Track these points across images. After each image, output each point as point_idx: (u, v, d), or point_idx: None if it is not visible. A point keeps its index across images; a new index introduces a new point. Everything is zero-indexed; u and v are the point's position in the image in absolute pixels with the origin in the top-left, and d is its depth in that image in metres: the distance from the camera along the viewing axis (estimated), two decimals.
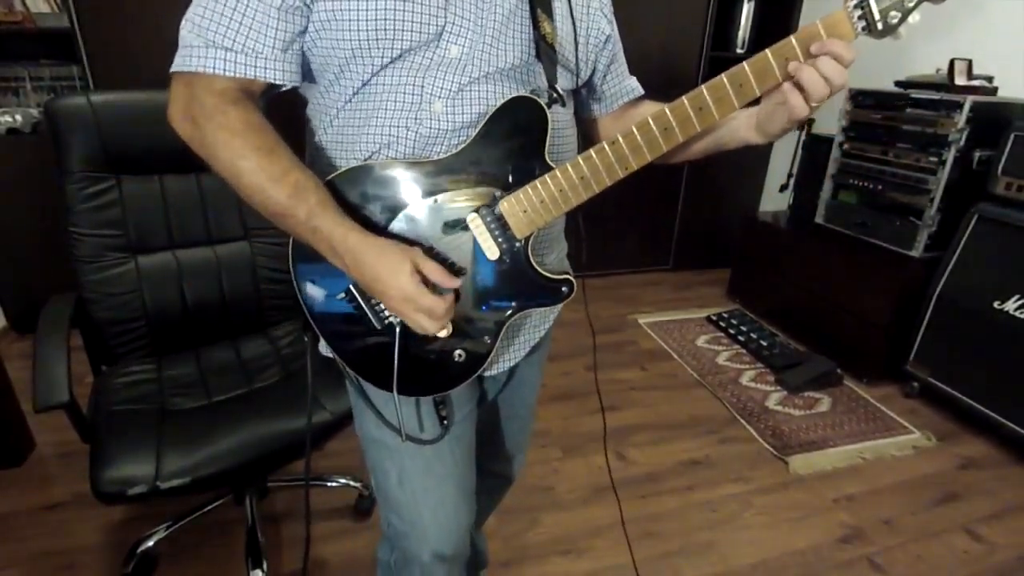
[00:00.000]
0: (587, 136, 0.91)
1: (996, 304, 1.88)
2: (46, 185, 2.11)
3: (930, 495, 1.72)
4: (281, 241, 1.41)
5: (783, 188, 2.90)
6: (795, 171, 2.82)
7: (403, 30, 0.63)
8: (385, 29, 0.63)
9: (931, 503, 1.69)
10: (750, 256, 2.88)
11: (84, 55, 2.16)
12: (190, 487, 1.03)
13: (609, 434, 1.93)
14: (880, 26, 0.61)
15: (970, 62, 2.08)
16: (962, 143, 1.98)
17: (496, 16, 0.67)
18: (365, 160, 0.69)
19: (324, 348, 0.82)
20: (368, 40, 0.63)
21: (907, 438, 1.97)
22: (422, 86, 0.66)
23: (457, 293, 0.69)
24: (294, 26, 0.64)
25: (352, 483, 1.57)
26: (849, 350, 2.31)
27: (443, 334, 0.70)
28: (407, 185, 0.68)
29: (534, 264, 0.72)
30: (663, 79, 2.94)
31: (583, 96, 0.88)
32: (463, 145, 0.67)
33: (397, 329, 0.71)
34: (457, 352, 0.74)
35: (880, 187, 2.26)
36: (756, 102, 0.69)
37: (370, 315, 0.71)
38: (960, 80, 2.05)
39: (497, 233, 0.69)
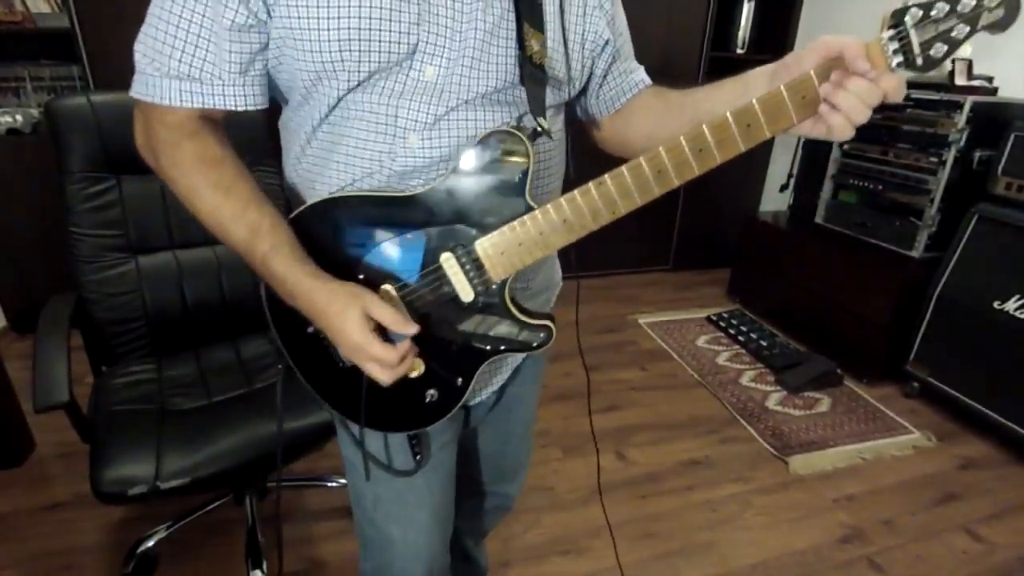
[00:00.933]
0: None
1: (996, 304, 1.88)
2: (46, 185, 2.11)
3: (930, 495, 1.72)
4: None
5: (783, 188, 2.90)
6: (795, 171, 2.81)
7: (371, 49, 0.57)
8: (351, 48, 0.57)
9: (931, 503, 1.69)
10: (750, 256, 2.88)
11: (84, 55, 2.16)
12: (190, 487, 1.02)
13: (609, 434, 1.93)
14: (920, 61, 0.52)
15: (970, 62, 2.08)
16: (962, 143, 1.98)
17: (477, 32, 0.61)
18: (337, 192, 0.66)
19: None
20: (332, 59, 0.57)
21: (907, 438, 1.97)
22: (395, 116, 0.62)
23: (431, 337, 0.66)
24: (250, 45, 0.59)
25: None
26: (849, 350, 2.31)
27: (414, 374, 0.68)
28: (378, 220, 0.64)
29: (511, 309, 0.67)
30: (663, 79, 2.93)
31: (580, 100, 0.82)
32: (441, 179, 0.63)
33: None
34: (429, 392, 0.70)
35: (880, 187, 2.26)
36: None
37: (338, 352, 0.68)
38: (960, 80, 2.05)
39: (472, 275, 0.65)
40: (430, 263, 0.65)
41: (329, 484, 1.60)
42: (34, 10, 2.17)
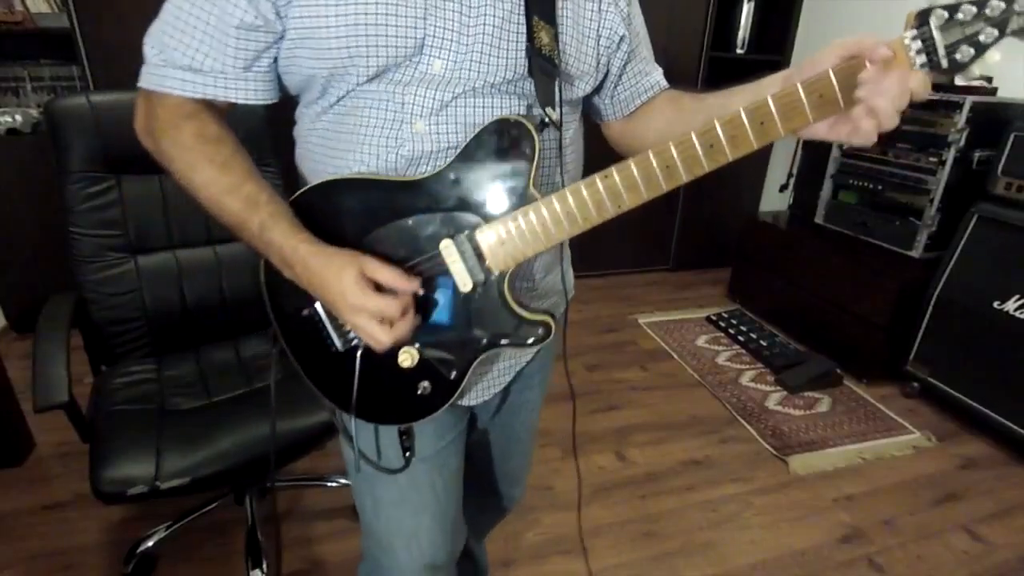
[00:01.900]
0: (601, 137, 0.85)
1: (996, 304, 1.88)
2: (46, 185, 2.11)
3: (930, 495, 1.72)
4: None
5: (783, 188, 2.90)
6: (795, 171, 2.82)
7: (379, 45, 0.59)
8: (358, 45, 0.58)
9: (931, 503, 1.69)
10: (750, 256, 2.88)
11: (84, 55, 2.16)
12: (190, 487, 1.03)
13: (609, 434, 1.93)
14: (945, 63, 0.51)
15: None
16: (962, 143, 1.99)
17: (486, 27, 0.61)
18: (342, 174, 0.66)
19: None
20: (342, 57, 0.59)
21: (907, 438, 1.97)
22: (402, 103, 0.62)
23: (426, 326, 0.66)
24: (256, 44, 0.61)
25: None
26: (849, 350, 2.31)
27: (407, 364, 0.66)
28: (380, 203, 0.64)
29: (509, 301, 0.65)
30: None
31: (594, 100, 0.81)
32: (445, 165, 0.63)
33: (359, 352, 0.67)
34: (422, 384, 0.69)
35: (880, 187, 2.26)
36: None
37: (334, 335, 0.68)
38: (960, 80, 2.05)
39: (472, 264, 0.63)
40: (429, 250, 0.64)
41: (329, 484, 1.60)
42: (34, 10, 2.17)
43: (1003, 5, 0.48)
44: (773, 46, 3.08)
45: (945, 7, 0.50)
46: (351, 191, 0.64)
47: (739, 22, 3.00)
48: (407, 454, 0.76)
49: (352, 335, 0.68)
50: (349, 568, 1.40)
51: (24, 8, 2.16)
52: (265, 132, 1.35)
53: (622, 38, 0.73)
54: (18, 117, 2.21)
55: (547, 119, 0.64)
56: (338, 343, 0.68)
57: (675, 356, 2.45)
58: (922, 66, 0.52)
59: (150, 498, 1.00)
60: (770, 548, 1.52)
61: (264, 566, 1.30)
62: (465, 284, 0.64)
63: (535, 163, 0.62)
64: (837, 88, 0.52)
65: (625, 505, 1.63)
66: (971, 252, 1.98)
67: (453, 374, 0.69)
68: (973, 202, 1.99)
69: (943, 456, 1.90)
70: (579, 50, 0.68)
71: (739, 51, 3.04)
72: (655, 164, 0.59)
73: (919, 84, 0.53)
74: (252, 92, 0.63)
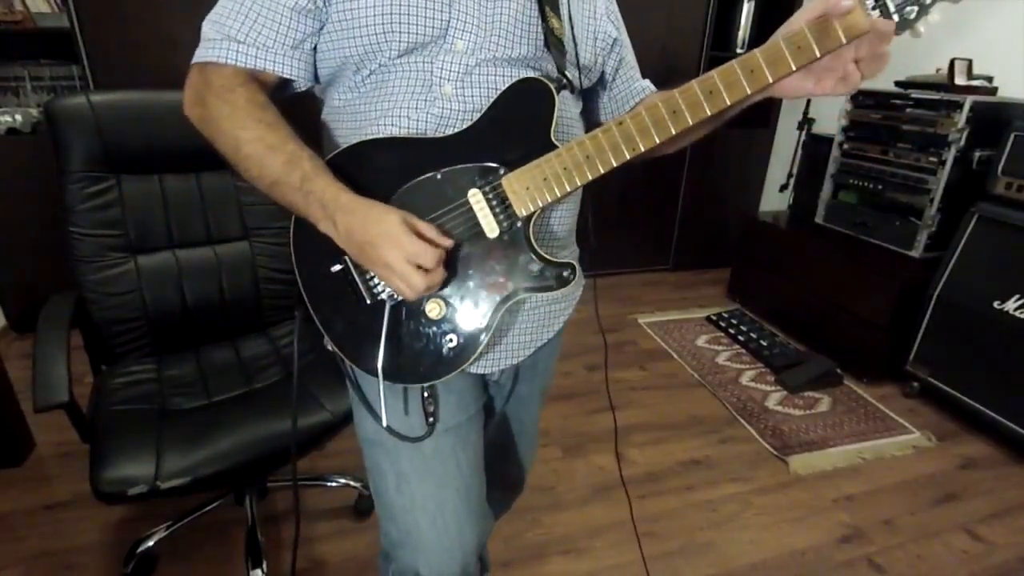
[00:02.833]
0: None
1: (996, 304, 1.88)
2: (46, 185, 2.10)
3: (930, 495, 1.72)
4: (281, 241, 1.42)
5: (783, 188, 2.91)
6: (795, 171, 2.82)
7: (408, 30, 0.66)
8: (392, 28, 0.65)
9: (931, 503, 1.69)
10: (750, 256, 2.88)
11: (84, 55, 2.16)
12: (190, 487, 1.02)
13: (609, 434, 1.93)
14: (896, 18, 0.60)
15: (970, 62, 2.08)
16: (962, 143, 1.99)
17: (503, 15, 0.69)
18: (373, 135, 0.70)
19: (329, 343, 0.81)
20: (379, 38, 0.66)
21: (907, 438, 1.97)
22: (430, 70, 0.68)
23: (454, 275, 0.69)
24: (305, 27, 0.68)
25: (352, 483, 1.57)
26: (849, 350, 2.31)
27: (435, 314, 0.69)
28: (409, 159, 0.68)
29: (535, 245, 0.69)
30: (663, 79, 2.93)
31: (591, 102, 0.87)
32: (470, 123, 0.68)
33: (387, 304, 0.70)
34: (449, 336, 0.71)
35: (880, 187, 2.26)
36: None
37: (362, 288, 0.71)
38: (960, 80, 2.05)
39: (498, 210, 0.68)
40: (458, 200, 0.68)
41: (329, 484, 1.60)
42: (34, 10, 2.17)
43: None
44: None
45: None
46: (383, 150, 0.69)
47: (739, 22, 3.00)
48: (431, 420, 0.78)
49: (379, 288, 0.70)
50: (349, 568, 1.40)
51: (24, 8, 2.15)
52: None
53: (615, 40, 0.82)
54: (18, 117, 2.21)
55: (565, 79, 0.72)
56: (366, 296, 0.71)
57: (675, 356, 2.45)
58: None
59: (150, 498, 1.00)
60: (770, 548, 1.52)
61: (264, 566, 1.30)
62: (492, 230, 0.68)
63: (555, 116, 0.67)
64: (811, 38, 0.60)
65: (625, 505, 1.63)
66: (971, 252, 1.98)
67: (480, 323, 0.71)
68: (973, 202, 1.99)
69: (943, 456, 1.90)
70: (574, 45, 0.75)
71: (739, 51, 3.04)
72: (663, 109, 0.65)
73: (883, 27, 0.60)
74: (295, 70, 0.70)
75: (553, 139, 0.68)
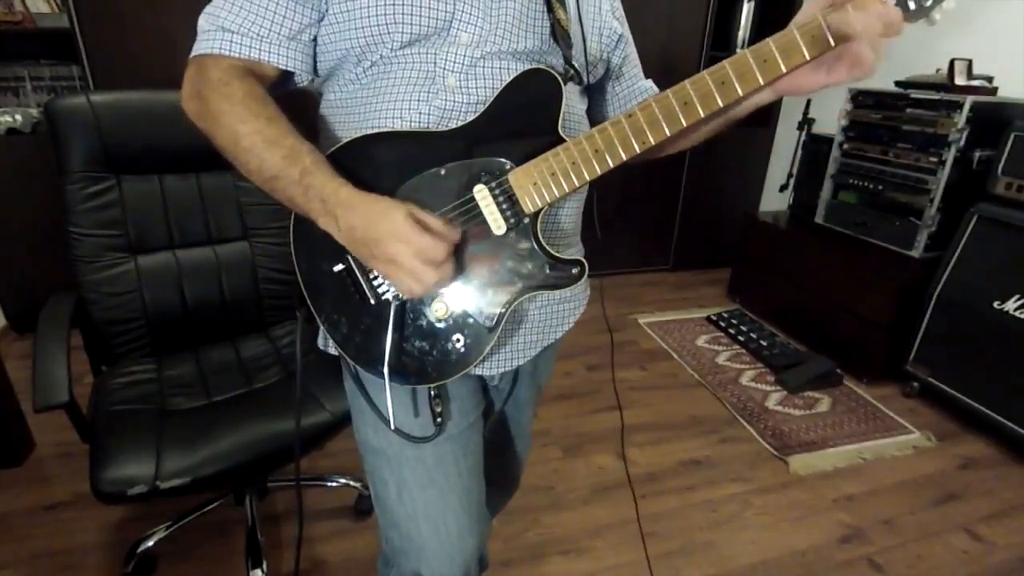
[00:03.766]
0: None
1: (996, 304, 1.88)
2: (46, 185, 2.11)
3: (930, 495, 1.72)
4: (281, 241, 1.41)
5: (783, 188, 2.90)
6: (795, 171, 2.82)
7: (412, 22, 0.64)
8: (395, 20, 0.64)
9: (931, 503, 1.69)
10: (750, 256, 2.88)
11: (84, 55, 2.15)
12: (190, 487, 1.02)
13: (609, 434, 1.93)
14: (912, 5, 0.57)
15: (970, 62, 2.08)
16: (962, 143, 1.98)
17: (509, 7, 0.68)
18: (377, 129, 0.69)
19: (321, 340, 0.80)
20: (381, 29, 0.64)
21: (907, 438, 1.97)
22: (434, 62, 0.67)
23: (461, 273, 0.67)
24: (303, 16, 0.66)
25: (352, 483, 1.57)
26: (849, 350, 2.31)
27: (440, 313, 0.67)
28: (412, 154, 0.66)
29: (542, 242, 0.67)
30: (663, 80, 2.93)
31: (596, 99, 0.86)
32: (474, 116, 0.66)
33: (392, 305, 0.68)
34: (455, 336, 0.69)
35: (880, 187, 2.26)
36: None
37: (365, 289, 0.69)
38: (960, 80, 2.05)
39: (505, 207, 0.66)
40: (463, 196, 0.66)
41: (329, 484, 1.60)
42: (34, 10, 2.17)
43: None
44: None
45: None
46: (385, 144, 0.67)
47: (739, 22, 3.00)
48: (439, 420, 0.76)
49: (383, 288, 0.69)
50: (349, 568, 1.40)
51: (24, 8, 2.15)
52: None
53: (620, 36, 0.80)
54: (18, 117, 2.21)
55: (572, 70, 0.70)
56: (370, 296, 0.69)
57: (675, 356, 2.45)
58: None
59: (150, 498, 1.00)
60: (770, 548, 1.52)
61: (264, 566, 1.30)
62: (499, 227, 0.66)
63: (562, 109, 0.65)
64: (826, 28, 0.58)
65: (625, 505, 1.63)
66: (971, 252, 1.98)
67: (487, 323, 0.69)
68: (973, 202, 1.99)
69: (943, 456, 1.90)
70: (583, 39, 0.74)
71: (739, 51, 3.03)
72: (674, 101, 0.62)
73: (892, 15, 0.58)
74: (294, 61, 0.68)
75: (561, 132, 0.65)
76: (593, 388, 2.18)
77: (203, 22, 0.67)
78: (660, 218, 3.27)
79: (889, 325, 2.16)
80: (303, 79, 0.71)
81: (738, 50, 3.17)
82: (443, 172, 0.66)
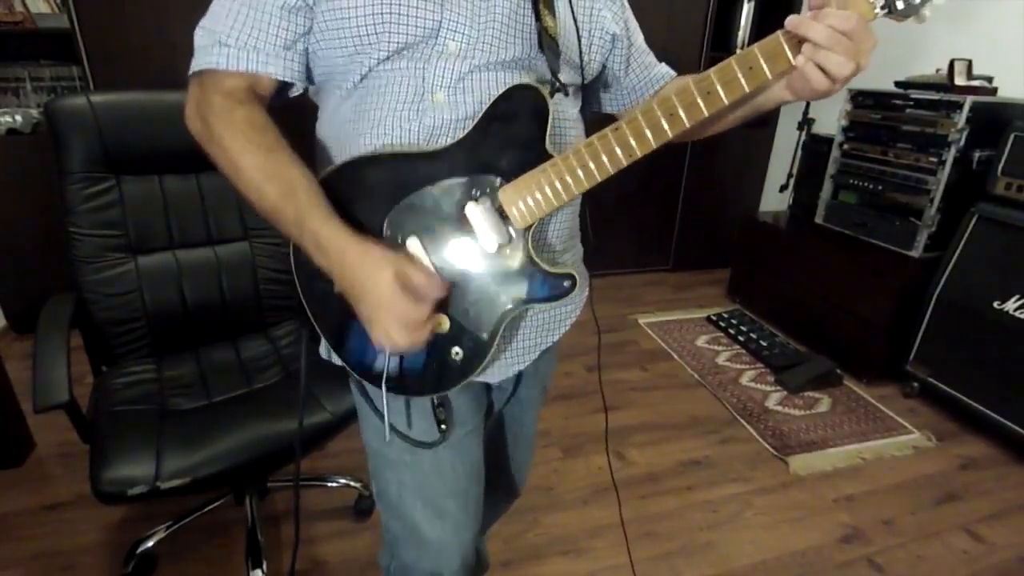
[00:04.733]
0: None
1: (996, 304, 1.88)
2: (46, 185, 2.11)
3: (930, 495, 1.72)
4: (281, 241, 1.42)
5: (783, 188, 2.90)
6: (795, 171, 2.81)
7: (399, 29, 0.64)
8: (382, 24, 0.63)
9: (931, 503, 1.69)
10: (750, 256, 2.88)
11: (84, 55, 2.15)
12: (190, 487, 1.03)
13: (609, 434, 1.93)
14: (901, 4, 0.56)
15: (970, 62, 2.08)
16: (962, 143, 1.98)
17: (496, 14, 0.67)
18: (368, 151, 0.69)
19: (324, 351, 0.82)
20: (367, 35, 0.64)
21: (907, 438, 1.97)
22: (422, 77, 0.66)
23: (456, 290, 0.68)
24: (297, 26, 0.66)
25: (352, 483, 1.57)
26: (849, 350, 2.31)
27: (440, 330, 0.69)
28: (402, 176, 0.67)
29: (534, 257, 0.69)
30: None
31: (605, 94, 0.87)
32: (463, 134, 0.66)
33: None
34: (454, 349, 0.71)
35: (880, 187, 2.26)
36: None
37: None
38: (960, 80, 2.05)
39: (496, 224, 0.67)
40: (454, 215, 0.67)
41: (329, 484, 1.60)
42: (34, 10, 2.17)
43: None
44: None
45: None
46: (376, 166, 0.67)
47: (739, 22, 2.99)
48: (442, 427, 0.78)
49: None
50: (349, 568, 1.40)
51: (24, 8, 2.16)
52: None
53: (613, 36, 0.79)
54: (18, 117, 2.21)
55: (559, 83, 0.70)
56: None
57: (675, 356, 2.45)
58: (881, 8, 0.57)
59: (150, 498, 1.00)
60: (770, 548, 1.52)
61: (264, 566, 1.30)
62: (490, 244, 0.67)
63: (549, 123, 0.66)
64: (782, 38, 0.58)
65: (625, 505, 1.63)
66: (971, 252, 1.98)
67: (484, 336, 0.71)
68: (973, 202, 1.99)
69: (943, 456, 1.90)
70: (577, 40, 0.73)
71: (739, 51, 3.03)
72: (659, 112, 0.63)
73: (839, 18, 0.57)
74: (289, 71, 0.68)
75: (548, 148, 0.66)
76: (593, 388, 2.18)
77: (199, 38, 0.67)
78: (660, 218, 3.27)
79: (889, 325, 2.16)
80: (299, 88, 0.72)
81: (738, 50, 3.18)
82: (434, 191, 0.67)
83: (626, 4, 0.82)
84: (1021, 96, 2.07)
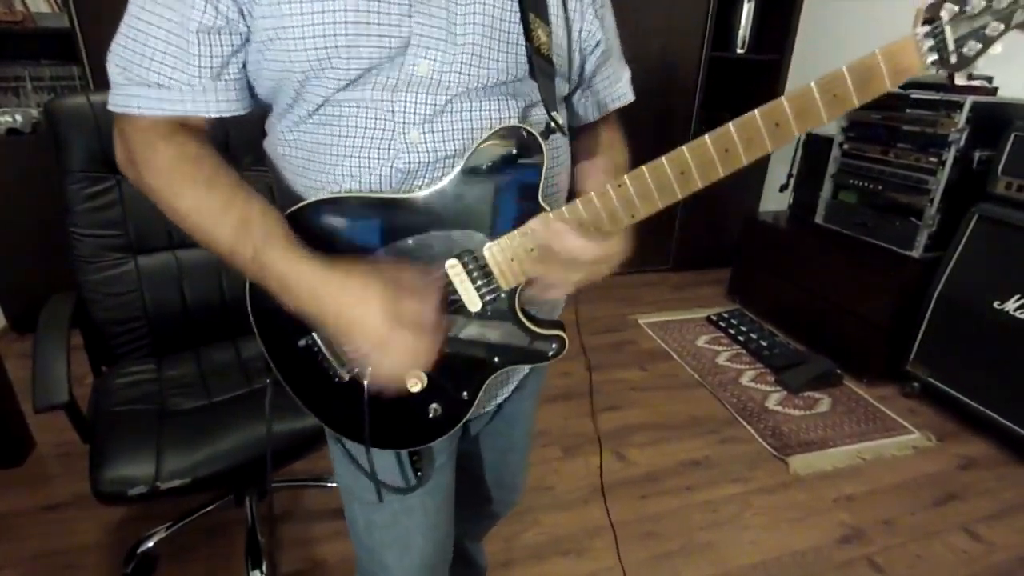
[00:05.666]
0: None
1: (996, 304, 1.88)
2: (46, 185, 2.11)
3: (930, 495, 1.72)
4: None
5: (783, 188, 2.90)
6: (795, 171, 2.81)
7: (359, 45, 0.54)
8: (337, 45, 0.53)
9: (931, 503, 1.69)
10: (750, 256, 2.88)
11: (84, 55, 2.16)
12: (190, 487, 1.03)
13: (609, 434, 1.93)
14: (954, 59, 0.50)
15: None
16: (962, 143, 1.98)
17: (475, 24, 0.57)
18: (333, 193, 0.60)
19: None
20: (321, 58, 0.54)
21: (907, 438, 1.97)
22: (392, 110, 0.57)
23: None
24: (221, 49, 0.55)
25: None
26: (849, 350, 2.31)
27: (415, 388, 0.62)
28: (378, 222, 0.59)
29: (521, 318, 0.63)
30: (663, 80, 2.94)
31: (572, 103, 0.79)
32: (446, 179, 0.58)
33: (365, 382, 0.62)
34: (432, 407, 0.65)
35: (880, 187, 2.26)
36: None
37: (335, 364, 0.64)
38: (960, 80, 2.05)
39: (480, 283, 0.60)
40: (435, 270, 0.60)
41: (329, 484, 1.60)
42: (34, 10, 2.17)
43: None
44: (773, 46, 3.08)
45: (955, 1, 0.49)
46: (347, 211, 0.59)
47: (739, 22, 3.00)
48: (418, 473, 0.74)
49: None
50: (349, 568, 1.39)
51: (24, 8, 2.16)
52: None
53: (598, 42, 0.71)
54: (18, 117, 2.21)
55: (553, 123, 0.61)
56: (341, 371, 0.65)
57: (675, 356, 2.45)
58: (932, 63, 0.51)
59: (150, 499, 1.00)
60: (770, 548, 1.52)
61: (264, 567, 1.30)
62: (474, 304, 0.61)
63: (543, 173, 0.58)
64: (851, 86, 0.51)
65: (625, 505, 1.63)
66: (971, 252, 1.98)
67: (465, 395, 0.66)
68: (973, 202, 1.98)
69: (943, 456, 1.90)
70: (568, 48, 0.66)
71: (739, 51, 3.04)
72: (669, 171, 0.57)
73: (579, 247, 0.58)
74: (225, 104, 0.58)
75: (541, 200, 0.59)
76: (593, 388, 2.18)
77: (112, 70, 0.57)
78: (660, 218, 3.22)
79: (889, 325, 2.16)
80: (242, 111, 0.60)
81: (738, 50, 3.14)
82: (411, 243, 0.59)
83: (607, 2, 0.73)
84: (1021, 96, 2.07)
